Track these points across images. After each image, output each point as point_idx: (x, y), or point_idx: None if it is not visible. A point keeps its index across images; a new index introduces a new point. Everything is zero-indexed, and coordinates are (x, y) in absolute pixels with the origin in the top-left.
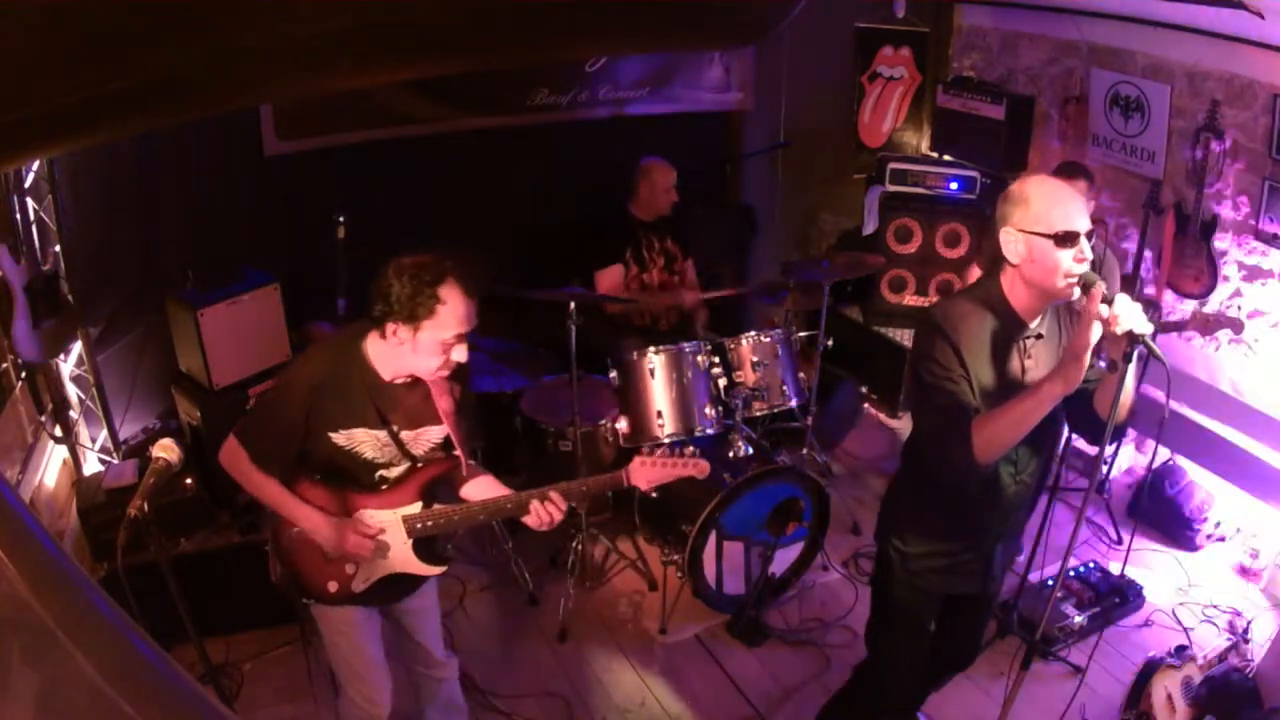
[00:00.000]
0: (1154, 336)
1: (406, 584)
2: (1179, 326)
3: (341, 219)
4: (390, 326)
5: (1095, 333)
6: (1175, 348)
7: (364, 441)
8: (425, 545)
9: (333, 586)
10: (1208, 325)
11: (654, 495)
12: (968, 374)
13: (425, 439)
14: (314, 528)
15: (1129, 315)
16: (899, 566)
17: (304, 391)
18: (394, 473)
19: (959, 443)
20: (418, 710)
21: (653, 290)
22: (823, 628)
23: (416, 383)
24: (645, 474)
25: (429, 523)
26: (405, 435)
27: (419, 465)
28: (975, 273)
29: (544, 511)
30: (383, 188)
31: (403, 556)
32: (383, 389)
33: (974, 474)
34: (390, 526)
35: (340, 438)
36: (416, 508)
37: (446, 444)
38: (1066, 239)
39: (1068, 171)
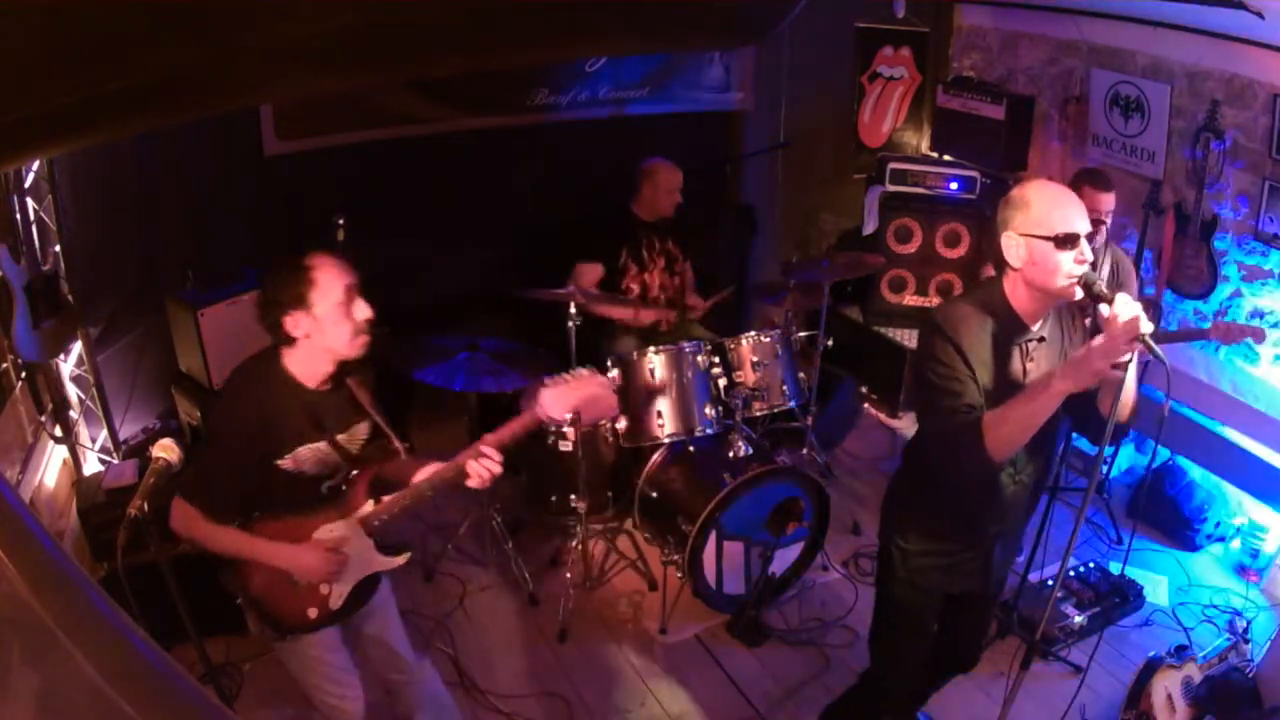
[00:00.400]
0: (1155, 339)
1: (371, 583)
2: (1200, 335)
3: (341, 221)
4: (289, 323)
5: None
6: (1176, 348)
7: (307, 459)
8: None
9: (313, 613)
10: (1229, 334)
11: (654, 495)
12: (973, 374)
13: (357, 436)
14: (286, 562)
15: (1129, 315)
16: (900, 565)
17: (246, 430)
18: (338, 480)
19: (970, 442)
20: (410, 715)
21: (630, 302)
22: (823, 628)
23: (338, 385)
24: (556, 403)
25: (384, 516)
26: (341, 439)
27: (359, 467)
28: (990, 273)
29: (481, 468)
30: (383, 188)
31: (369, 557)
32: (311, 398)
33: (983, 473)
34: (352, 533)
35: (287, 462)
36: (369, 506)
37: (374, 434)
38: (1066, 241)
39: (1097, 180)
